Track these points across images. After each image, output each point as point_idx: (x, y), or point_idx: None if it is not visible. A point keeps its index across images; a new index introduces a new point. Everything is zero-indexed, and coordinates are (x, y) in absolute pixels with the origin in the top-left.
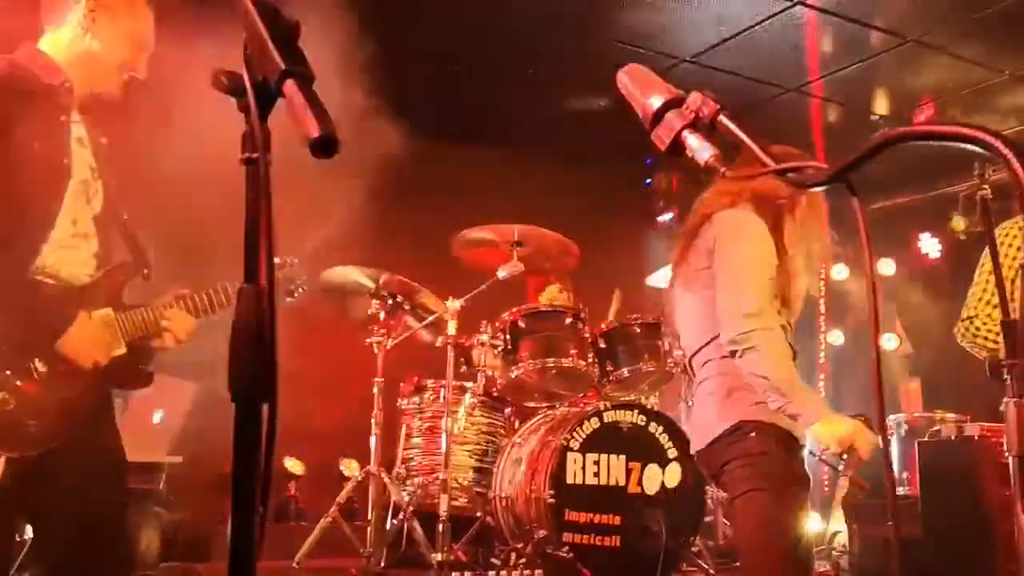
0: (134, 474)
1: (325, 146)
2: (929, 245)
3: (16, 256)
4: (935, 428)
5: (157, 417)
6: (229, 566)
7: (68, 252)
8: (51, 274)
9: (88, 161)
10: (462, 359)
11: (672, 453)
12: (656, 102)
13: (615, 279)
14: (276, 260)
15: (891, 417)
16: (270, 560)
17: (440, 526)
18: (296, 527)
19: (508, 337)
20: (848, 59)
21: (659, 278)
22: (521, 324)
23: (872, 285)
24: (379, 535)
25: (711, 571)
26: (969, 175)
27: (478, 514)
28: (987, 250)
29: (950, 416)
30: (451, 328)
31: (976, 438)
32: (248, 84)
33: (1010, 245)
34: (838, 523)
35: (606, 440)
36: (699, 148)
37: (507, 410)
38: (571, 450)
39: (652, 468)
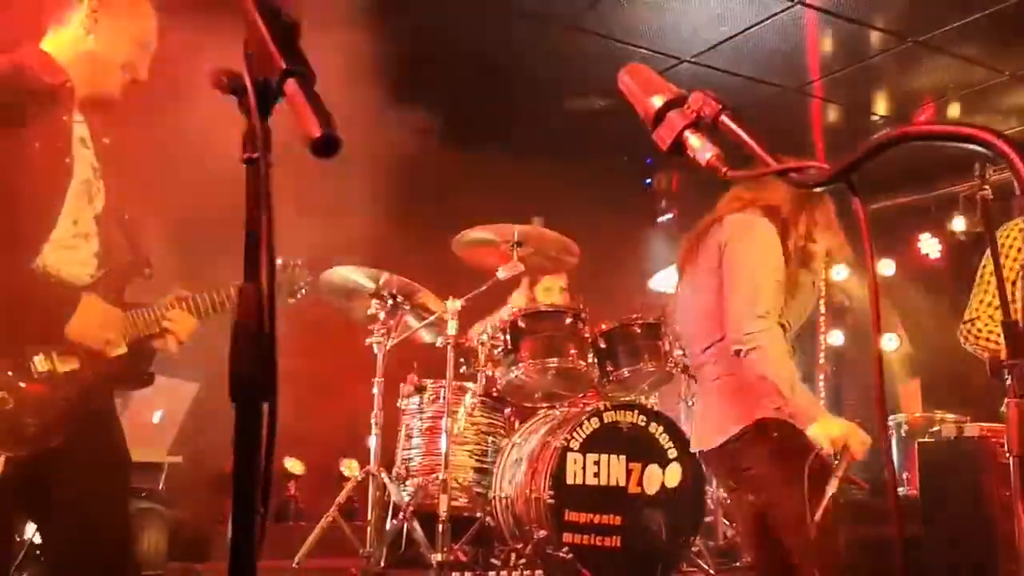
0: (134, 474)
1: (327, 146)
2: (929, 245)
3: (16, 255)
4: (935, 428)
5: (156, 417)
6: (229, 566)
7: (69, 252)
8: (51, 274)
9: (90, 161)
10: (462, 359)
11: (672, 453)
12: (658, 102)
13: (615, 279)
14: (279, 261)
15: (891, 417)
16: (270, 560)
17: (440, 526)
18: (296, 527)
19: (508, 337)
20: (848, 59)
21: (661, 281)
22: (521, 324)
23: (874, 285)
24: (379, 535)
25: (711, 571)
26: (969, 176)
27: (478, 514)
28: (988, 252)
29: (950, 416)
30: (451, 328)
31: (976, 438)
32: (248, 83)
33: (1011, 247)
34: None
35: (606, 440)
36: (700, 148)
37: (507, 410)
38: (571, 450)
39: (652, 468)
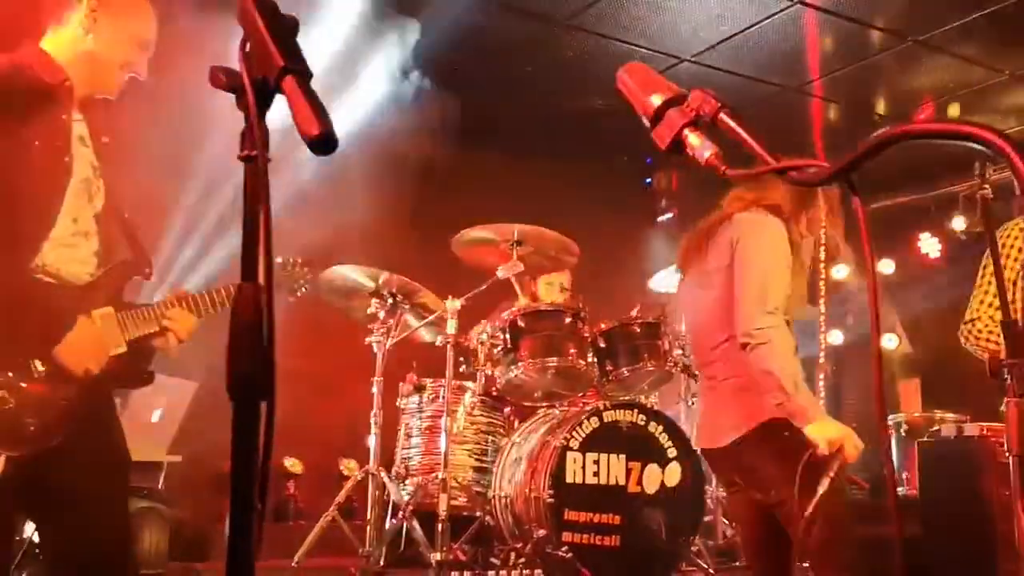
0: (133, 473)
1: (325, 144)
2: (929, 245)
3: (16, 254)
4: (934, 428)
5: (156, 416)
6: (227, 564)
7: (68, 250)
8: (51, 272)
9: (90, 160)
10: (461, 358)
11: (672, 452)
12: (657, 100)
13: (615, 278)
14: (279, 259)
15: (891, 417)
16: (269, 559)
17: (439, 525)
18: (295, 526)
19: (508, 336)
20: (848, 59)
21: (661, 280)
22: (521, 323)
23: (873, 285)
24: (378, 534)
25: (710, 570)
26: (969, 175)
27: (477, 513)
28: (988, 251)
29: (949, 416)
30: (451, 327)
31: (976, 438)
32: (246, 81)
33: (1012, 246)
34: None
35: (606, 439)
36: (699, 146)
37: (506, 409)
38: (571, 449)
39: (652, 467)
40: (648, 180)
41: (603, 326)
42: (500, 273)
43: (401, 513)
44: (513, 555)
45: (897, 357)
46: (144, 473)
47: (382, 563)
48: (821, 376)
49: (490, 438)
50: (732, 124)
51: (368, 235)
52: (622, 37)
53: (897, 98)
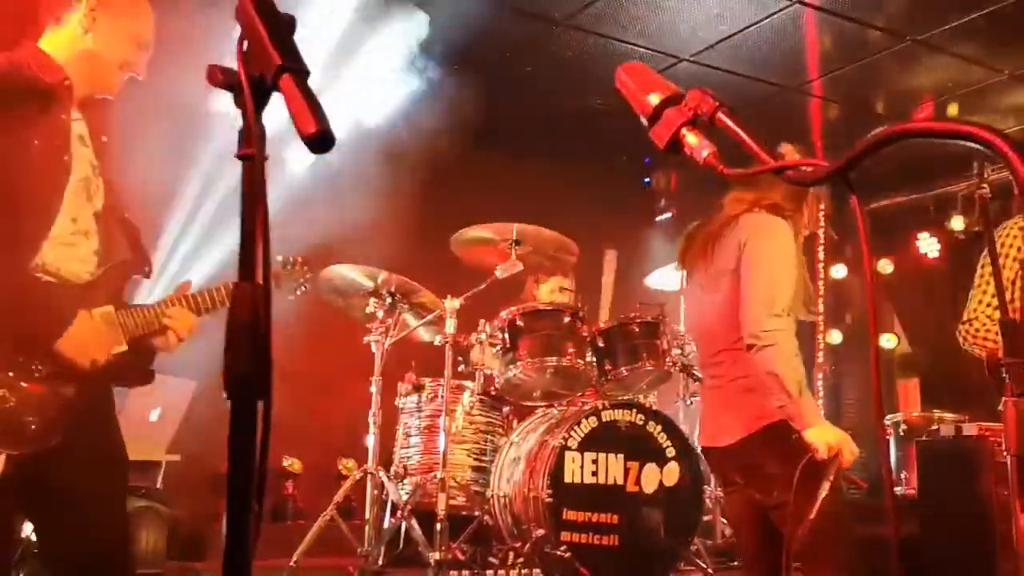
0: (131, 472)
1: (322, 142)
2: (928, 245)
3: (16, 253)
4: (933, 427)
5: (154, 415)
6: (224, 564)
7: (68, 249)
8: (51, 272)
9: (89, 159)
10: (460, 358)
11: (670, 452)
12: (654, 99)
13: (614, 278)
14: (279, 258)
15: (889, 416)
16: (268, 559)
17: (438, 525)
18: (294, 526)
19: (506, 336)
20: (847, 58)
21: (658, 279)
22: (520, 323)
23: (870, 284)
24: (377, 534)
25: (709, 570)
26: (968, 175)
27: (476, 513)
28: (986, 251)
29: (948, 415)
30: (450, 327)
31: (974, 437)
32: (244, 80)
33: (1010, 246)
34: None
35: (604, 439)
36: (697, 146)
37: (505, 409)
38: (569, 449)
39: (650, 467)
40: (647, 180)
41: (602, 325)
42: (499, 273)
43: (400, 512)
44: (512, 554)
45: (896, 357)
46: (143, 472)
47: (381, 562)
48: (820, 376)
49: (489, 437)
50: (730, 123)
51: (367, 234)
52: (621, 36)
53: (896, 98)
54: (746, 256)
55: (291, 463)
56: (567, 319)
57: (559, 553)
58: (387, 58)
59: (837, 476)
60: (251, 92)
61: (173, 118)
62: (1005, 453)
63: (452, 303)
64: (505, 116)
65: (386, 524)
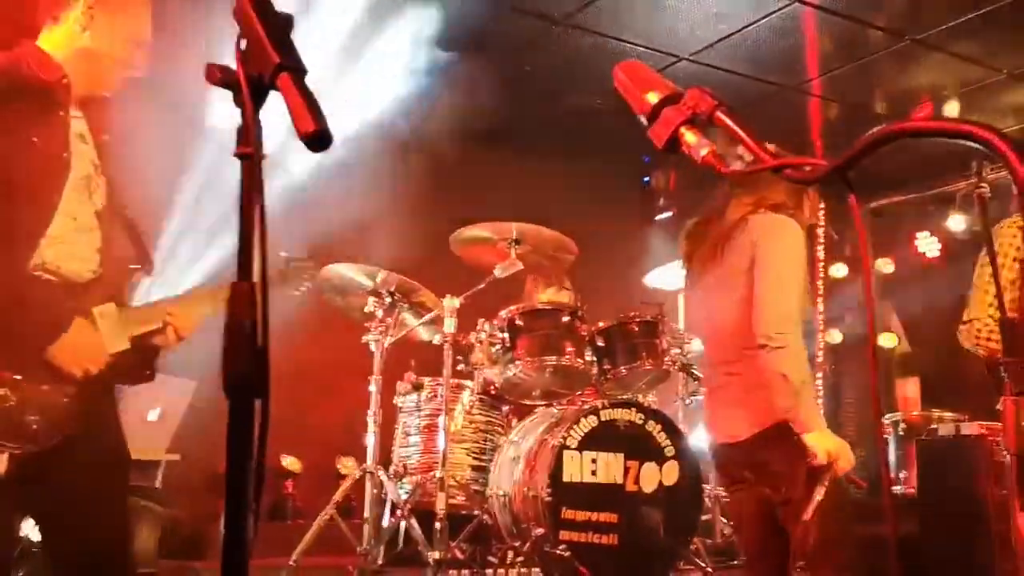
0: (130, 471)
1: (320, 140)
2: (927, 244)
3: (14, 251)
4: (933, 427)
5: (154, 414)
6: (222, 562)
7: (68, 247)
8: (51, 270)
9: (90, 157)
10: (459, 357)
11: (670, 451)
12: (653, 98)
13: (613, 277)
14: (282, 254)
15: (889, 416)
16: (267, 558)
17: (437, 524)
18: (293, 525)
19: (506, 335)
20: (846, 57)
21: (657, 278)
22: (519, 322)
23: (868, 283)
24: (376, 533)
25: (708, 569)
26: (967, 174)
27: (475, 512)
28: (985, 250)
29: (948, 415)
30: (449, 326)
31: (974, 437)
32: (242, 78)
33: (1010, 245)
34: None
35: (603, 438)
36: (696, 144)
37: (505, 408)
38: (568, 448)
39: (649, 466)
40: (646, 179)
41: (601, 325)
42: (498, 272)
43: (399, 512)
44: (511, 554)
45: (896, 356)
46: (142, 472)
47: (380, 562)
48: (819, 375)
49: (488, 437)
50: (728, 122)
51: (366, 233)
52: (620, 36)
53: (895, 97)
54: (760, 257)
55: (290, 462)
56: (566, 318)
57: (558, 552)
58: (387, 58)
59: (833, 482)
60: (249, 91)
61: (173, 116)
62: (1004, 452)
63: (451, 302)
64: (504, 115)
65: (385, 523)
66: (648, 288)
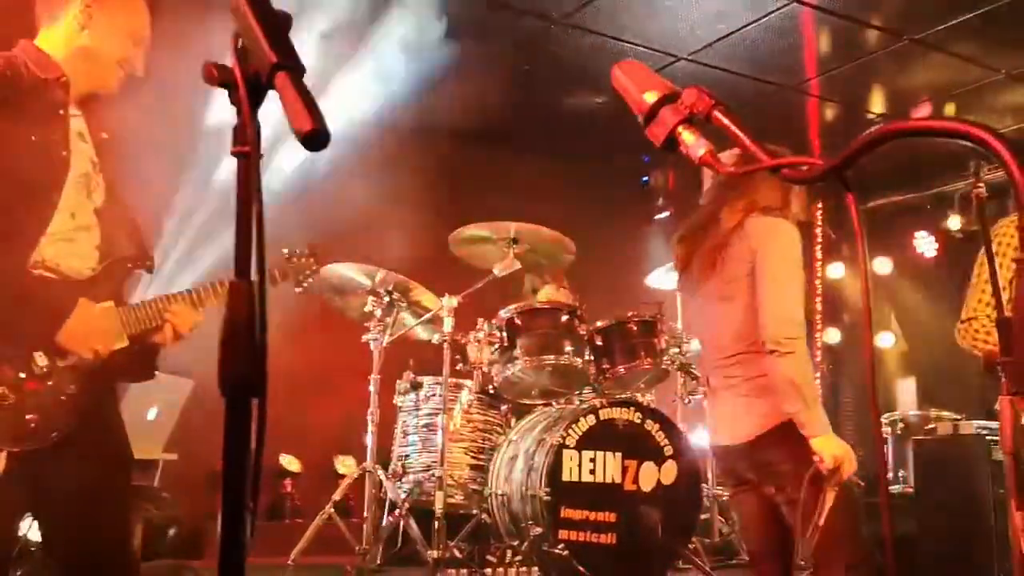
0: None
1: (318, 139)
2: (925, 243)
3: (13, 249)
4: (931, 426)
5: (151, 414)
6: (219, 561)
7: (68, 245)
8: (51, 268)
9: (89, 155)
10: (458, 356)
11: (668, 451)
12: (651, 98)
13: (612, 277)
14: (284, 251)
15: (887, 415)
16: (266, 557)
17: (436, 523)
18: (292, 524)
19: (505, 334)
20: (845, 57)
21: (656, 277)
22: (518, 321)
23: (865, 283)
24: (375, 532)
25: (707, 568)
26: (965, 174)
27: (474, 511)
28: (983, 249)
29: (945, 414)
30: (448, 325)
31: (971, 436)
32: (239, 77)
33: (1007, 244)
34: None
35: (602, 437)
36: (694, 144)
37: (503, 407)
38: (567, 447)
39: (648, 465)
40: (645, 178)
41: (600, 324)
42: (496, 271)
43: (398, 511)
44: (509, 553)
45: (894, 356)
46: (140, 471)
47: (379, 561)
48: (817, 375)
49: (487, 436)
50: (726, 122)
51: (365, 233)
52: (619, 35)
53: (894, 96)
54: (760, 263)
55: (289, 461)
56: (565, 317)
57: (557, 551)
58: (386, 57)
59: (844, 481)
60: (246, 90)
61: (172, 115)
62: (1001, 452)
63: (450, 301)
64: (504, 115)
65: (384, 522)
66: (648, 288)
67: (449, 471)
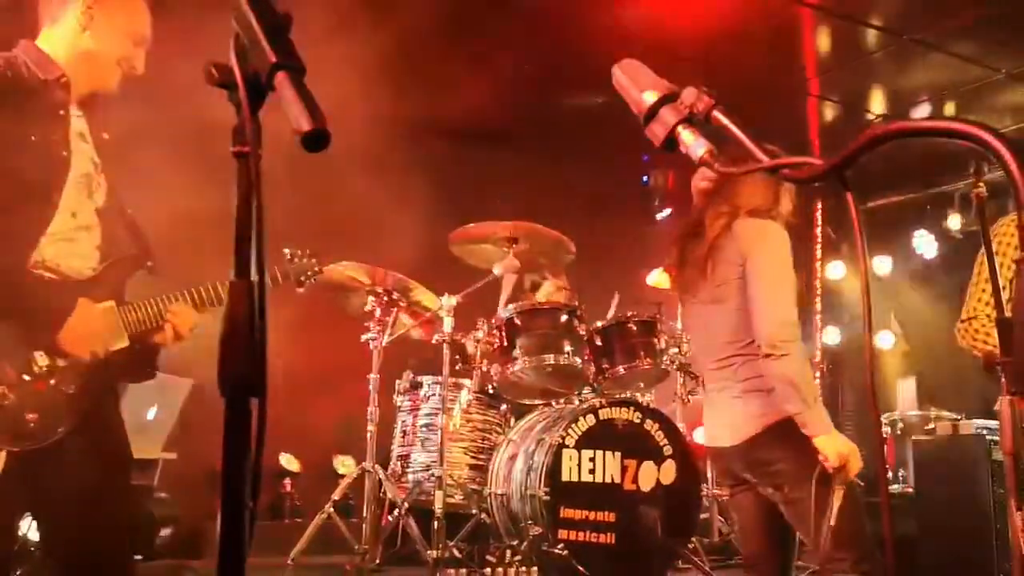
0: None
1: (317, 140)
2: (925, 243)
3: (14, 249)
4: (930, 426)
5: (151, 413)
6: (218, 561)
7: (68, 245)
8: (51, 268)
9: (90, 155)
10: (458, 356)
11: (667, 450)
12: (650, 97)
13: (612, 276)
14: (286, 251)
15: (886, 415)
16: (265, 557)
17: (435, 523)
18: (292, 523)
19: (504, 334)
20: (844, 57)
21: (656, 277)
22: (517, 321)
23: (865, 283)
24: (374, 532)
25: (706, 568)
26: (965, 173)
27: (473, 511)
28: (983, 249)
29: (945, 414)
30: (447, 325)
31: (971, 436)
32: (239, 77)
33: (1007, 244)
34: None
35: (601, 437)
36: (693, 144)
37: (503, 407)
38: (566, 447)
39: (647, 465)
40: (645, 178)
41: (599, 324)
42: (496, 270)
43: (397, 511)
44: (509, 552)
45: (894, 356)
46: (140, 470)
47: (378, 560)
48: (817, 375)
49: (486, 436)
50: (725, 121)
51: (364, 232)
52: (618, 34)
53: (893, 96)
54: (750, 266)
55: (289, 461)
56: (564, 317)
57: (556, 551)
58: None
59: (850, 479)
60: (246, 90)
61: (172, 115)
62: (1001, 452)
63: (449, 301)
64: (503, 113)
65: (383, 522)
66: (648, 287)
67: (448, 471)
